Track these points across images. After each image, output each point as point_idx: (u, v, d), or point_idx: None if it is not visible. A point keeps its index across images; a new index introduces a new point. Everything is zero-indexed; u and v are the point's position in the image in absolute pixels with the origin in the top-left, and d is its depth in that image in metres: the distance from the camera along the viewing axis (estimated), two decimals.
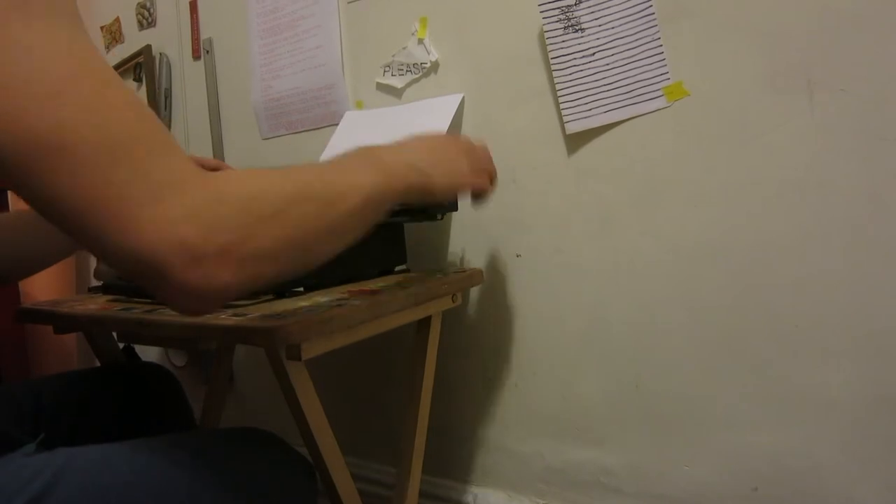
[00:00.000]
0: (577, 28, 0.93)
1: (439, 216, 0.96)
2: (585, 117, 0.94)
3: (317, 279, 0.86)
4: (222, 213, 0.43)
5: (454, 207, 0.94)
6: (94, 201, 0.40)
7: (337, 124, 1.19)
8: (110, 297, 0.93)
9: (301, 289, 0.83)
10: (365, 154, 0.60)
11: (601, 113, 0.93)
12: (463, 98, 1.07)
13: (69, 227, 0.41)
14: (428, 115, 1.06)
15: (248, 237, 0.44)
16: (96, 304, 0.89)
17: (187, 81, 1.51)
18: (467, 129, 1.07)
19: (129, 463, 0.57)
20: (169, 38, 1.53)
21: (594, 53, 0.93)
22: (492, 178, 0.78)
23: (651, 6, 0.88)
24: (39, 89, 0.39)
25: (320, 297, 0.79)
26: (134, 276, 0.42)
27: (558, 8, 0.94)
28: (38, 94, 0.39)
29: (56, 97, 0.39)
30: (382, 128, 1.11)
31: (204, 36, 1.46)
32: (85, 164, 0.39)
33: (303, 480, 0.70)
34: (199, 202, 0.42)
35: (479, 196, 0.76)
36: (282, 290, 0.82)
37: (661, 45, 0.88)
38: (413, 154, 0.65)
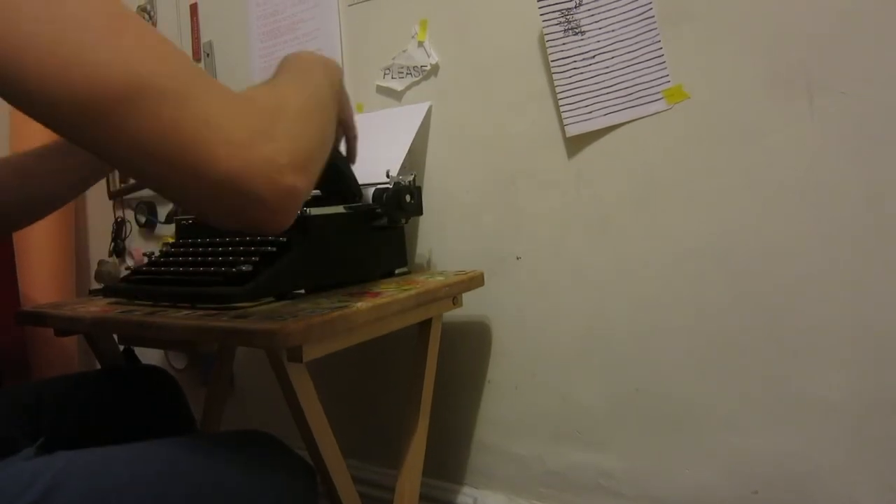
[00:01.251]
0: (577, 31, 0.93)
1: (403, 221, 1.00)
2: (585, 120, 0.94)
3: (318, 281, 0.86)
4: (278, 126, 0.47)
5: (418, 212, 1.02)
6: (175, 138, 0.42)
7: None
8: (111, 299, 0.93)
9: (302, 290, 0.83)
10: (294, 61, 0.67)
11: (601, 115, 0.93)
12: (430, 107, 1.10)
13: (149, 167, 0.43)
14: (396, 123, 1.08)
15: (299, 146, 0.49)
16: (97, 307, 0.89)
17: None
18: (468, 131, 1.07)
19: (129, 466, 0.57)
20: None
21: (594, 56, 0.93)
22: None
23: (651, 9, 0.89)
24: (104, 32, 0.40)
25: (321, 299, 0.79)
26: (222, 205, 0.45)
27: (558, 11, 0.94)
28: (103, 36, 0.40)
29: (121, 40, 0.41)
30: None
31: (204, 39, 1.46)
32: (164, 103, 0.41)
33: (303, 483, 0.70)
34: (260, 121, 0.46)
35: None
36: (283, 291, 0.82)
37: (661, 48, 0.89)
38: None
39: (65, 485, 0.51)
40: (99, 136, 0.41)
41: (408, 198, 0.96)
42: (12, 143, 1.47)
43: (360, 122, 0.97)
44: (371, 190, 0.95)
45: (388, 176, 0.96)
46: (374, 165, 0.99)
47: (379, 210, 0.94)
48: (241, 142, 0.44)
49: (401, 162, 1.00)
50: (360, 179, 0.95)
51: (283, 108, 0.50)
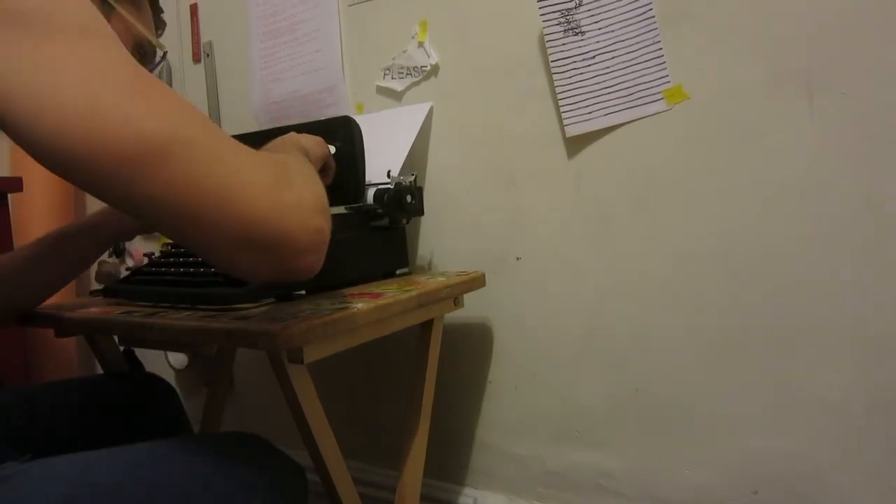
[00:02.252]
0: (577, 31, 0.93)
1: (405, 221, 1.00)
2: (585, 120, 0.94)
3: (319, 282, 0.86)
4: (295, 180, 0.49)
5: (419, 213, 1.03)
6: (216, 185, 0.43)
7: None
8: (111, 300, 0.93)
9: (303, 292, 0.83)
10: (291, 144, 0.73)
11: (601, 116, 0.93)
12: (431, 107, 1.09)
13: (183, 219, 0.43)
14: (397, 124, 1.08)
15: (310, 196, 0.50)
16: (98, 308, 0.89)
17: (187, 84, 1.51)
18: (468, 131, 1.07)
19: (111, 472, 0.56)
20: (169, 42, 1.53)
21: (594, 56, 0.93)
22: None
23: (651, 9, 0.89)
24: (132, 91, 0.42)
25: (322, 301, 0.79)
26: (253, 248, 0.46)
27: (558, 11, 0.94)
28: (132, 95, 0.41)
29: (150, 98, 0.42)
30: None
31: (204, 39, 1.46)
32: (194, 158, 0.43)
33: (293, 484, 0.69)
34: (282, 174, 0.48)
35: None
36: (284, 293, 0.82)
37: (661, 49, 0.89)
38: (291, 139, 0.77)
39: (41, 493, 0.51)
40: (132, 192, 0.42)
41: (409, 198, 0.96)
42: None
43: (362, 122, 0.97)
44: (372, 190, 0.95)
45: (389, 176, 0.96)
46: (375, 166, 0.99)
47: (380, 210, 0.94)
48: (269, 187, 0.45)
49: (402, 162, 1.00)
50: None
51: (288, 164, 0.52)
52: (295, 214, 0.47)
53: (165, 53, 0.81)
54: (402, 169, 0.99)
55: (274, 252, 0.46)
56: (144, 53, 0.76)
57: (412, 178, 0.98)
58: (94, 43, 0.43)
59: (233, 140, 0.47)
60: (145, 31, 0.74)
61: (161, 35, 0.82)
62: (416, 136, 1.04)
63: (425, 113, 1.08)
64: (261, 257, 0.46)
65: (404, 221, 0.99)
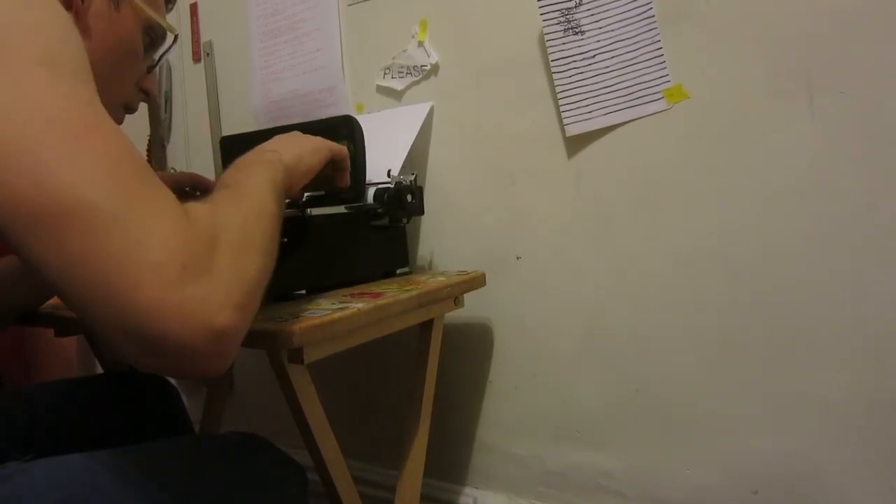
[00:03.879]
0: (577, 30, 0.93)
1: (405, 221, 1.00)
2: (585, 119, 0.94)
3: (319, 282, 0.86)
4: (225, 261, 0.43)
5: (420, 212, 1.02)
6: (98, 266, 0.38)
7: None
8: None
9: (303, 291, 0.83)
10: (258, 158, 0.64)
11: (601, 115, 0.93)
12: (432, 107, 1.09)
13: (73, 290, 0.39)
14: (398, 123, 1.08)
15: (247, 280, 0.44)
16: None
17: (187, 84, 1.51)
18: (468, 131, 1.07)
19: (111, 472, 0.55)
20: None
21: (594, 56, 0.93)
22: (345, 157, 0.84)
23: (651, 8, 0.89)
24: (49, 146, 0.39)
25: (322, 300, 0.79)
26: (141, 339, 0.39)
27: (558, 10, 0.94)
28: (48, 150, 0.39)
29: (64, 154, 0.39)
30: None
31: (204, 39, 1.46)
32: (92, 226, 0.38)
33: (294, 484, 0.69)
34: (205, 254, 0.42)
35: (341, 166, 0.82)
36: (284, 292, 0.81)
37: (661, 48, 0.89)
38: (275, 145, 0.70)
39: (41, 493, 0.50)
40: (29, 252, 0.39)
41: (409, 197, 0.96)
42: None
43: (362, 122, 0.97)
44: (372, 189, 0.95)
45: (389, 175, 0.96)
46: (375, 165, 0.99)
47: (380, 210, 0.94)
48: (173, 275, 0.39)
49: (402, 161, 1.00)
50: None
51: (223, 236, 0.45)
52: (189, 313, 0.39)
53: (177, 37, 0.78)
54: (402, 168, 0.99)
55: (156, 353, 0.40)
56: (154, 38, 0.72)
57: (412, 178, 0.98)
58: (39, 76, 0.40)
59: (161, 206, 0.41)
60: (155, 15, 0.71)
61: (170, 10, 0.78)
62: (417, 136, 1.04)
63: (426, 113, 1.08)
64: (146, 357, 0.40)
65: (404, 221, 0.99)
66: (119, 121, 0.69)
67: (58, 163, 0.39)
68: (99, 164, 0.40)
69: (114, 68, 0.64)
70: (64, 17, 0.46)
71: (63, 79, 0.42)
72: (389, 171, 0.96)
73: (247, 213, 0.51)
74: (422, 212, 1.03)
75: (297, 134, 0.79)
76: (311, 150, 0.74)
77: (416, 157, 1.11)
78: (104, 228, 0.38)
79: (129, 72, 0.68)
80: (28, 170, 0.38)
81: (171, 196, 0.43)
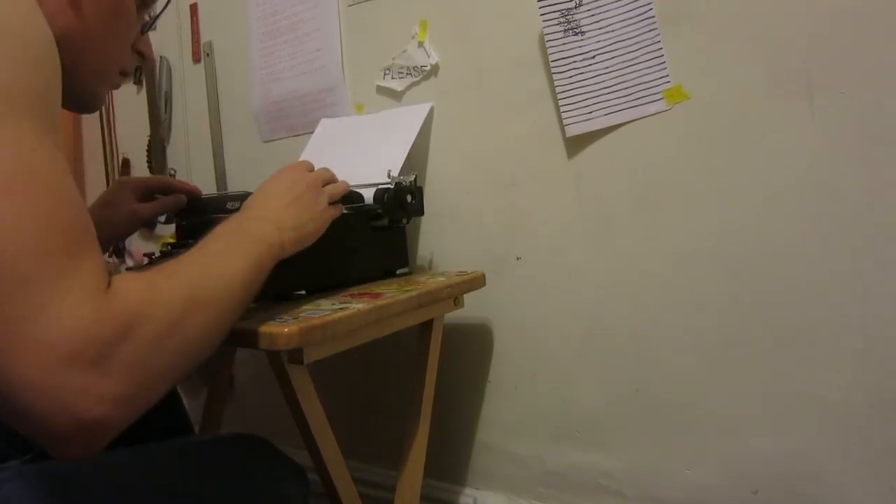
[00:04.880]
0: (577, 31, 0.93)
1: (405, 221, 0.99)
2: (585, 120, 0.94)
3: (319, 282, 0.86)
4: (129, 352, 0.40)
5: (420, 212, 1.01)
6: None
7: None
8: None
9: (303, 291, 0.83)
10: (234, 229, 0.60)
11: (601, 116, 0.93)
12: (432, 108, 1.09)
13: None
14: (398, 124, 1.08)
15: (140, 375, 0.41)
16: None
17: (187, 85, 1.51)
18: (468, 133, 1.07)
19: (109, 474, 0.55)
20: (169, 42, 1.53)
21: (594, 56, 0.93)
22: (342, 190, 0.81)
23: (651, 9, 0.89)
24: None
25: (322, 301, 0.79)
26: (10, 406, 0.38)
27: (558, 11, 0.94)
28: None
29: None
30: (354, 137, 1.14)
31: (204, 39, 1.46)
32: None
33: (295, 486, 0.69)
34: (106, 343, 0.39)
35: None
36: (283, 293, 0.82)
37: (661, 48, 0.89)
38: (278, 212, 0.67)
39: (40, 495, 0.50)
40: None
41: (409, 198, 0.96)
42: None
43: (362, 122, 0.97)
44: (372, 190, 0.95)
45: (389, 176, 0.96)
46: (375, 165, 0.99)
47: (380, 210, 0.94)
48: (57, 358, 0.37)
49: (402, 162, 1.00)
50: (362, 179, 0.95)
51: (143, 324, 0.42)
52: (59, 400, 0.37)
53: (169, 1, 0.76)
54: (402, 169, 0.99)
55: (20, 424, 0.39)
56: None
57: (412, 178, 0.97)
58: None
59: (79, 274, 0.40)
60: None
61: None
62: (417, 137, 1.04)
63: (426, 113, 1.08)
64: (13, 422, 0.39)
65: (405, 221, 0.99)
66: (115, 86, 0.69)
67: None
68: (24, 223, 0.38)
69: (109, 33, 0.63)
70: (22, 29, 0.43)
71: (8, 120, 0.40)
72: (389, 171, 0.96)
73: (197, 298, 0.48)
74: (422, 212, 1.03)
75: (298, 185, 0.73)
76: (313, 218, 0.71)
77: (416, 157, 1.11)
78: (9, 289, 0.37)
79: (124, 35, 0.67)
80: None
81: (97, 269, 0.42)
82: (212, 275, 0.52)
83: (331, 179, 0.79)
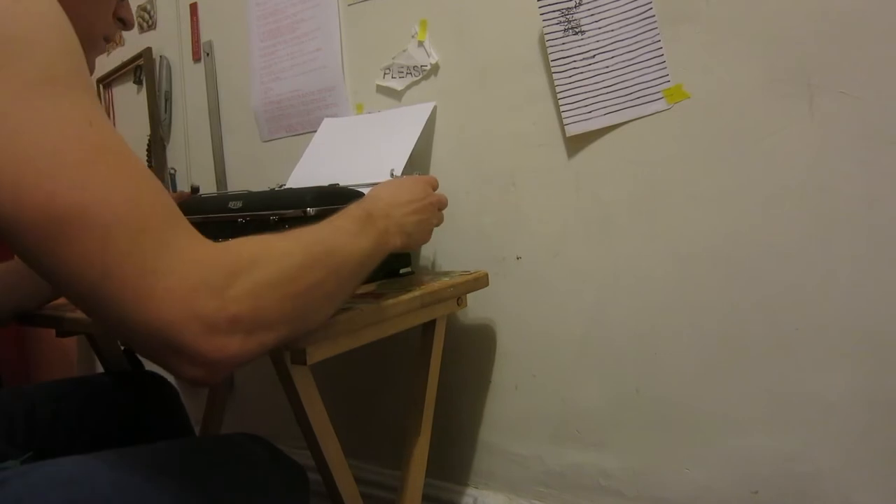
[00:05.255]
0: (577, 30, 0.93)
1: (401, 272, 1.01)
2: (585, 119, 0.95)
3: None
4: (234, 284, 0.44)
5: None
6: (113, 273, 0.40)
7: None
8: None
9: None
10: (361, 215, 0.64)
11: (601, 115, 0.94)
12: (435, 107, 1.09)
13: (86, 298, 0.42)
14: (401, 123, 1.08)
15: (258, 307, 0.45)
16: None
17: (187, 84, 1.51)
18: (469, 132, 1.07)
19: (111, 474, 0.55)
20: (169, 41, 1.53)
21: (594, 56, 0.93)
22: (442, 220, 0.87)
23: (651, 9, 0.89)
24: (67, 159, 0.40)
25: None
26: (149, 349, 0.43)
27: (558, 10, 0.94)
28: (65, 163, 0.40)
29: (83, 167, 0.41)
30: (357, 136, 1.13)
31: (204, 38, 1.46)
32: (108, 236, 0.40)
33: (296, 487, 0.69)
34: (213, 273, 0.43)
35: None
36: None
37: (661, 48, 0.89)
38: (402, 216, 0.73)
39: (39, 496, 0.50)
40: (42, 259, 0.41)
41: None
42: None
43: (364, 121, 0.97)
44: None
45: (392, 175, 0.95)
46: (378, 164, 0.98)
47: None
48: (182, 288, 0.41)
49: (405, 161, 1.00)
50: (364, 178, 0.95)
51: (259, 265, 0.46)
52: (195, 326, 0.41)
53: None
54: (405, 168, 0.99)
55: (163, 355, 0.43)
56: None
57: None
58: (56, 93, 0.42)
59: (180, 227, 0.44)
60: None
61: None
62: (420, 135, 1.04)
63: (429, 112, 1.07)
64: (155, 355, 0.43)
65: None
66: (100, 51, 0.70)
67: (73, 180, 0.40)
68: (119, 183, 0.42)
69: (89, 3, 0.64)
70: (60, 17, 0.46)
71: (65, 96, 0.42)
72: (392, 170, 0.96)
73: (315, 260, 0.52)
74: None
75: (425, 200, 0.79)
76: (423, 231, 0.78)
77: (418, 157, 1.11)
78: (119, 239, 0.40)
79: (104, 2, 0.68)
80: (46, 186, 0.39)
81: (196, 232, 0.46)
82: (335, 245, 0.56)
83: (445, 204, 0.86)
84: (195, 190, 1.16)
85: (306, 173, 1.13)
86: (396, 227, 0.70)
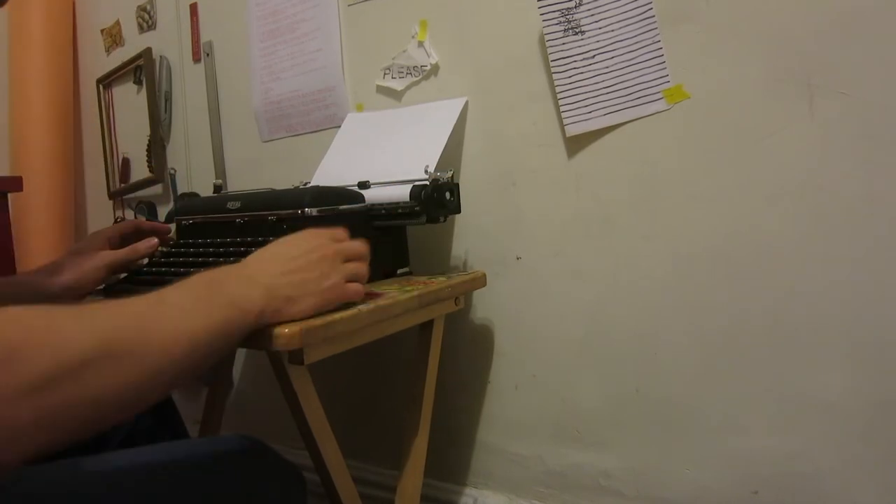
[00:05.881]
0: (577, 30, 0.93)
1: (442, 219, 0.94)
2: (585, 120, 0.94)
3: None
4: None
5: (457, 210, 0.95)
6: None
7: (338, 127, 1.20)
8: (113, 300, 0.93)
9: None
10: (202, 284, 0.54)
11: (601, 115, 0.93)
12: (466, 102, 1.07)
13: None
14: (430, 120, 1.06)
15: (18, 410, 0.37)
16: None
17: (187, 84, 1.51)
18: (468, 131, 1.07)
19: (105, 478, 0.55)
20: (169, 41, 1.53)
21: (594, 56, 0.93)
22: (363, 274, 0.72)
23: (651, 9, 0.89)
24: None
25: None
26: None
27: (558, 10, 0.94)
28: None
29: None
30: (385, 132, 1.11)
31: (204, 39, 1.46)
32: None
33: (291, 490, 0.69)
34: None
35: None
36: None
37: (661, 48, 0.89)
38: (272, 277, 0.61)
39: (35, 500, 0.49)
40: None
41: (448, 195, 0.93)
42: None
43: (392, 117, 0.93)
44: (407, 187, 0.92)
45: (426, 172, 0.94)
46: (411, 161, 0.96)
47: (417, 207, 0.91)
48: None
49: (438, 158, 0.98)
50: (397, 175, 0.93)
51: (28, 357, 0.38)
52: None
53: None
54: (437, 165, 0.97)
55: None
56: None
57: (450, 175, 0.94)
58: None
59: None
60: None
61: None
62: (451, 133, 1.01)
63: (461, 107, 1.05)
64: None
65: (442, 219, 0.94)
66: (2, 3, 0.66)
67: None
68: None
69: None
70: None
71: None
72: (427, 167, 0.94)
73: (112, 350, 0.42)
74: (459, 210, 0.97)
75: (311, 254, 0.65)
76: (313, 293, 0.63)
77: (449, 153, 1.06)
78: None
79: None
80: None
81: None
82: (150, 328, 0.46)
83: (356, 256, 0.70)
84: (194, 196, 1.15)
85: (333, 170, 1.11)
86: (264, 293, 0.58)
